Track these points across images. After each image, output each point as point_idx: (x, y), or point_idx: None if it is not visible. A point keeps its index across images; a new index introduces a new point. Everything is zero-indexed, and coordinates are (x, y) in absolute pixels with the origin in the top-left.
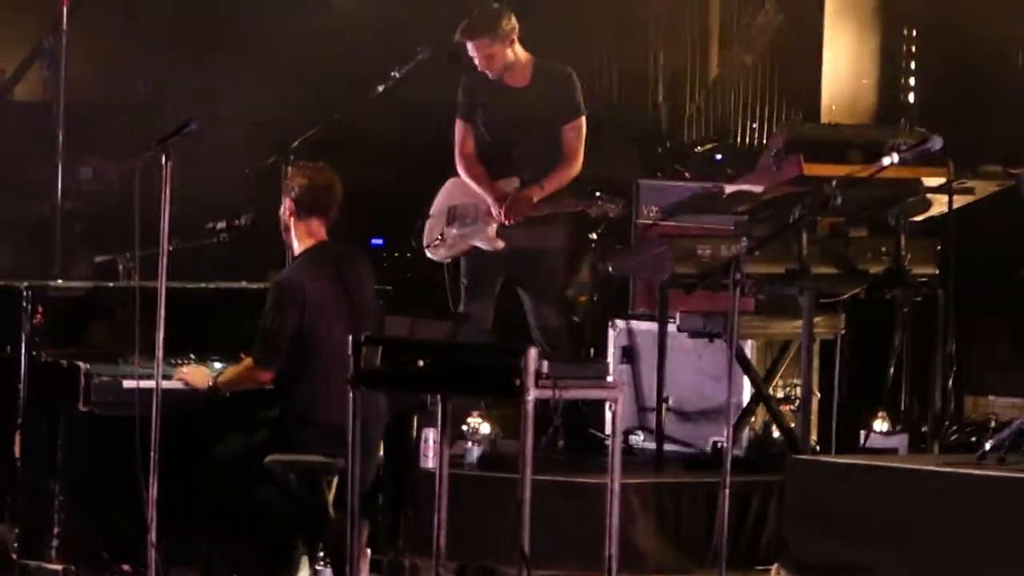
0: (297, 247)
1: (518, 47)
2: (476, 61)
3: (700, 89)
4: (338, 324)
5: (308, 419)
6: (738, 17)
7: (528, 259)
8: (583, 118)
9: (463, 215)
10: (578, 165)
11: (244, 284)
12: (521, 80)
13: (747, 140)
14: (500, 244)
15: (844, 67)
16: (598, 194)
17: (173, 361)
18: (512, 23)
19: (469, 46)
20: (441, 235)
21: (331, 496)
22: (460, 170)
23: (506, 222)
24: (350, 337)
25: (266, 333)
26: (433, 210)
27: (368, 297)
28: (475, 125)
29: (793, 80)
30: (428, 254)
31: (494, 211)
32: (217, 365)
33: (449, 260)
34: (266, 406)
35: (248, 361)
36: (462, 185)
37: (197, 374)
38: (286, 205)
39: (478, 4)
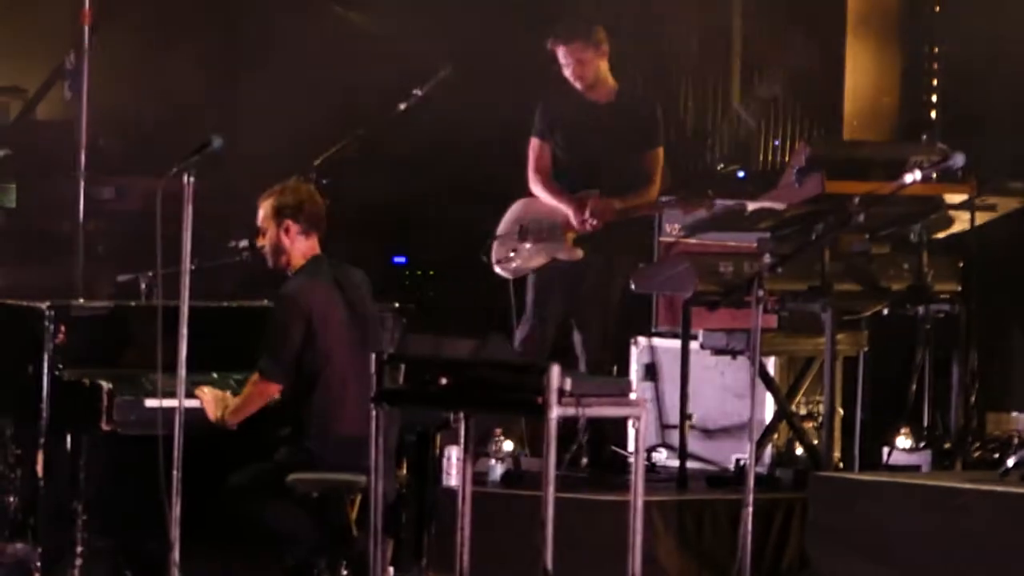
0: (294, 263)
1: (606, 65)
2: (567, 69)
3: (723, 112)
4: (344, 332)
5: (324, 432)
6: (761, 38)
7: (592, 292)
8: (661, 149)
9: (536, 230)
10: (656, 192)
11: (266, 302)
12: (604, 98)
13: (769, 158)
14: (579, 253)
15: (866, 84)
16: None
17: (195, 380)
18: (604, 35)
19: (561, 52)
20: (514, 250)
21: (354, 514)
22: (535, 186)
23: (588, 226)
24: (372, 355)
25: (271, 344)
26: (501, 230)
27: (368, 303)
28: (553, 143)
29: (815, 97)
30: (498, 270)
31: (574, 220)
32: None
33: (520, 275)
34: (281, 426)
35: (254, 377)
36: (530, 203)
37: (213, 403)
38: (282, 226)
39: (565, 15)
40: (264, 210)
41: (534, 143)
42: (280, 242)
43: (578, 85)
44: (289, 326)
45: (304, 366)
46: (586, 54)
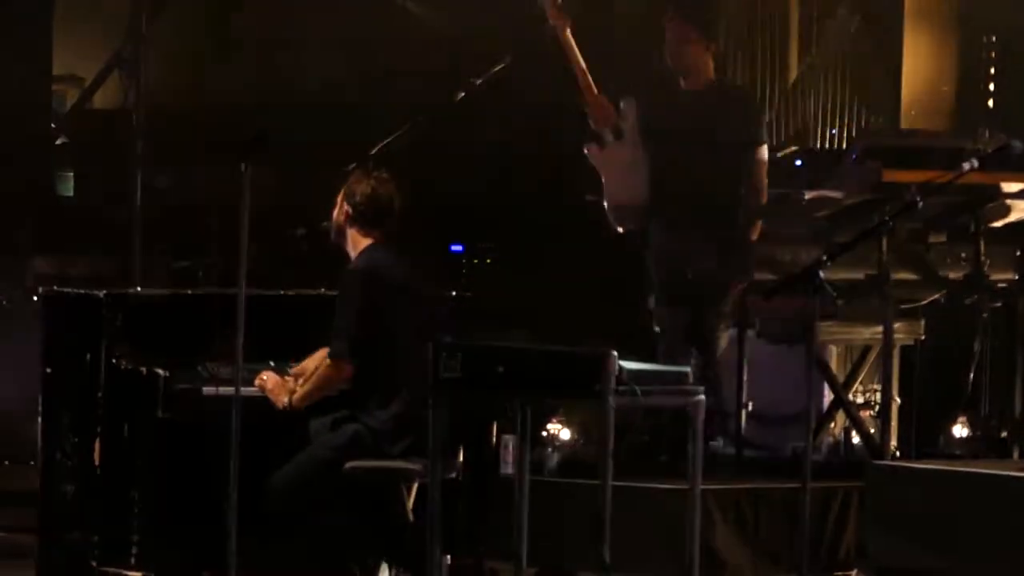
0: (353, 252)
1: (710, 59)
2: (668, 46)
3: (779, 95)
4: (406, 314)
5: (384, 413)
6: (817, 18)
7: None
8: (765, 147)
9: None
10: (764, 197)
11: (323, 291)
12: (694, 85)
13: (827, 146)
14: None
15: (924, 73)
16: None
17: (252, 368)
18: (719, 34)
19: (670, 27)
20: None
21: (411, 502)
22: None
23: None
24: (429, 343)
25: (340, 325)
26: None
27: (426, 290)
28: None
29: (873, 86)
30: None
31: None
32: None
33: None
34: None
35: (326, 361)
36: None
37: (277, 389)
38: (343, 210)
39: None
40: (344, 188)
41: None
42: (343, 225)
43: (673, 66)
44: (356, 302)
45: (368, 344)
46: (691, 38)
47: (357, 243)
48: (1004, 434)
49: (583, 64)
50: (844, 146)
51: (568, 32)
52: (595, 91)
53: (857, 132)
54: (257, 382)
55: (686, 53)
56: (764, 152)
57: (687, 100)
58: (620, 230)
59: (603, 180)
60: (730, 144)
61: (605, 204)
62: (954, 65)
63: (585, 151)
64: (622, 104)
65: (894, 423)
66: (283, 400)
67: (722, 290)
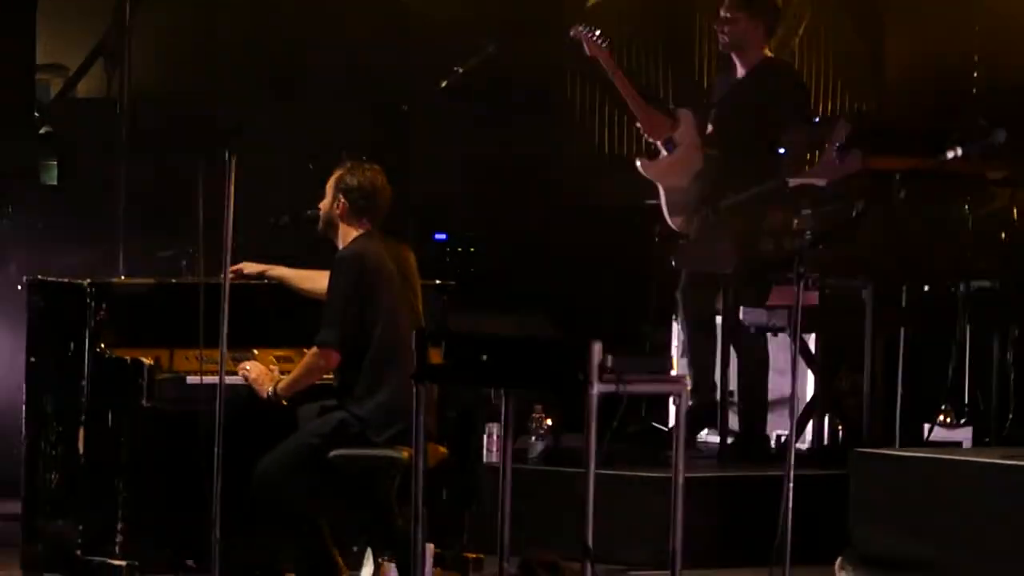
0: (342, 243)
1: (761, 37)
2: (718, 24)
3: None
4: (395, 301)
5: (370, 400)
6: None
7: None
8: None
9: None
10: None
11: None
12: (747, 67)
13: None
14: None
15: (906, 59)
16: None
17: (235, 356)
18: (774, 17)
19: (720, 6)
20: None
21: (395, 490)
22: None
23: None
24: (413, 332)
25: (329, 312)
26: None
27: (417, 278)
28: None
29: (855, 73)
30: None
31: None
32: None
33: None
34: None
35: (312, 349)
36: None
37: (261, 378)
38: (336, 201)
39: None
40: (332, 178)
41: None
42: (332, 215)
43: (720, 41)
44: (345, 289)
45: (357, 330)
46: (738, 14)
47: (347, 234)
48: (986, 422)
49: (630, 87)
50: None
51: (610, 59)
52: (645, 110)
53: (840, 120)
54: (240, 371)
55: (731, 28)
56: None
57: (732, 87)
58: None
59: (660, 190)
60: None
61: (665, 212)
62: (938, 51)
63: (638, 164)
64: (679, 113)
65: (877, 411)
66: (267, 389)
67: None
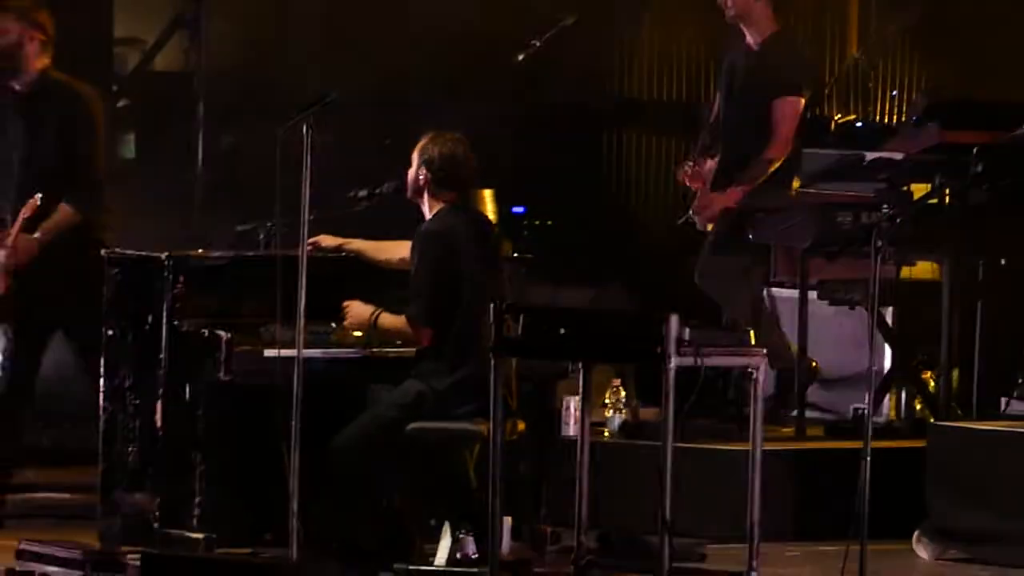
0: (428, 214)
1: (766, 7)
2: None
3: (840, 59)
4: (478, 273)
5: (451, 372)
6: None
7: None
8: (801, 99)
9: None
10: (782, 150)
11: None
12: (759, 37)
13: (887, 107)
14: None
15: (987, 31)
16: None
17: (313, 330)
18: None
19: None
20: None
21: (473, 463)
22: None
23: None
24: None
25: (414, 285)
26: None
27: (500, 252)
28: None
29: (934, 46)
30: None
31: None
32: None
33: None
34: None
35: (405, 317)
36: None
37: (358, 309)
38: (422, 174)
39: None
40: (417, 147)
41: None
42: (418, 183)
43: (727, 14)
44: (428, 264)
45: (440, 305)
46: None
47: (432, 206)
48: None
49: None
50: (905, 108)
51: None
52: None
53: (918, 93)
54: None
55: (739, 3)
56: (797, 102)
57: (743, 60)
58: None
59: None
60: (765, 92)
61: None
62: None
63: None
64: None
65: (955, 384)
66: (365, 318)
67: None
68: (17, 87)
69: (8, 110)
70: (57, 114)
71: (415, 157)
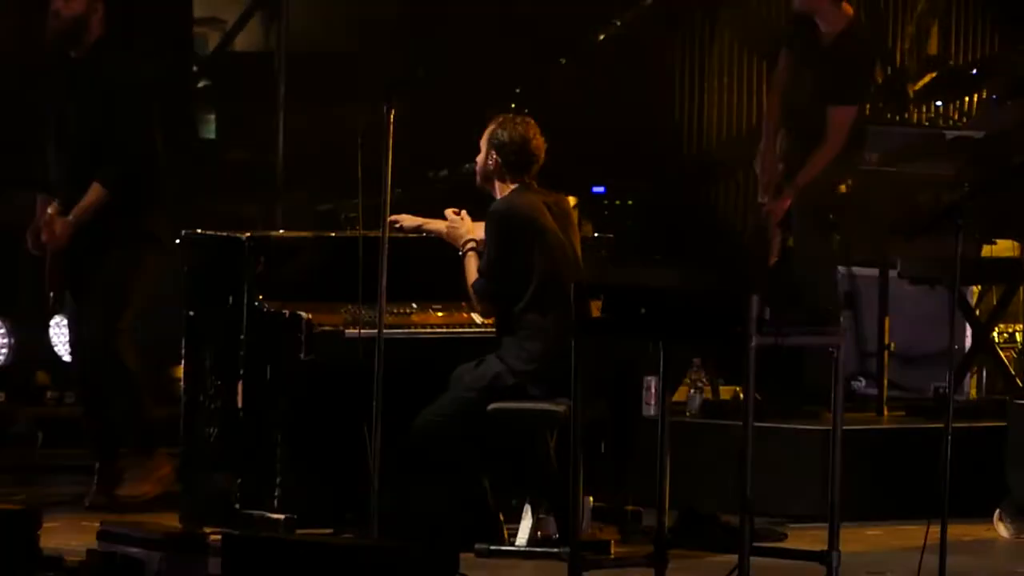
0: (497, 192)
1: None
2: None
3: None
4: (552, 252)
5: (527, 354)
6: None
7: None
8: (855, 108)
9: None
10: (832, 154)
11: None
12: (831, 28)
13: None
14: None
15: None
16: None
17: (394, 311)
18: None
19: None
20: None
21: (553, 443)
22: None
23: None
24: (572, 284)
25: (484, 263)
26: None
27: (576, 230)
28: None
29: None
30: None
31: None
32: (439, 314)
33: None
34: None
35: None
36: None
37: (468, 226)
38: (492, 159)
39: None
40: (485, 132)
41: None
42: (487, 168)
43: (793, 4)
44: (497, 243)
45: (513, 284)
46: None
47: (503, 190)
48: None
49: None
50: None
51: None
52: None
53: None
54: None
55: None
56: (848, 112)
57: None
58: None
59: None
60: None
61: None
62: None
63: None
64: None
65: None
66: (462, 236)
67: None
68: (73, 54)
69: (65, 80)
70: (103, 86)
71: (483, 143)
